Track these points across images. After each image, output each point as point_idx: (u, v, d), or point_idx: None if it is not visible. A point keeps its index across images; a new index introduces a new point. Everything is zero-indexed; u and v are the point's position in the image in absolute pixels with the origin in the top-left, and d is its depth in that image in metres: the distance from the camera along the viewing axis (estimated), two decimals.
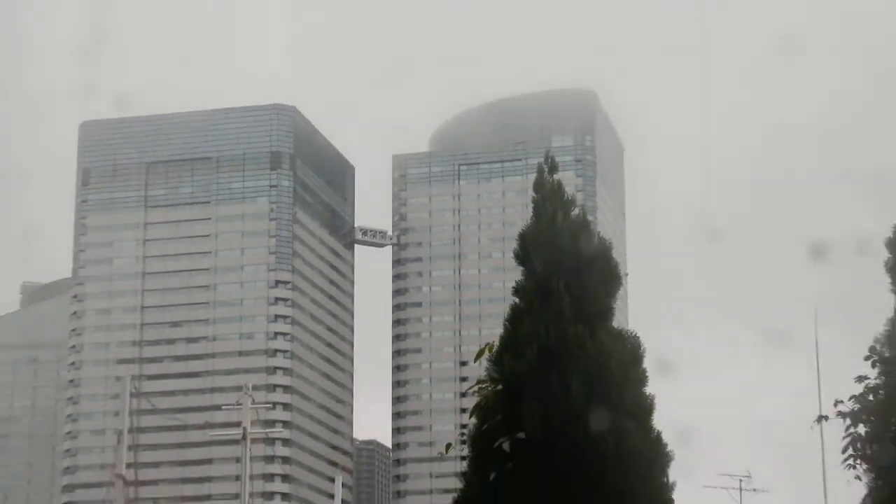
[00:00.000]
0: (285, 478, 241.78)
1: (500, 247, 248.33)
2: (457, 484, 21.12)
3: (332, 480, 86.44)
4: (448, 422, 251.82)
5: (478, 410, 20.77)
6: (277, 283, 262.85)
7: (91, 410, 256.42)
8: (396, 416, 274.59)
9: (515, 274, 21.49)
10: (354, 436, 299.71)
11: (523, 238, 21.27)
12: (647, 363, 20.82)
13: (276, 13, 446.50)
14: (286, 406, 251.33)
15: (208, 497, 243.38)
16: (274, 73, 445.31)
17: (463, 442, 21.11)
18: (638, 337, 20.90)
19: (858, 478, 23.14)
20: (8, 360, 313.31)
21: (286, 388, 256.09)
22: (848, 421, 23.34)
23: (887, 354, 22.38)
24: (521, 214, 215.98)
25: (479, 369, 21.40)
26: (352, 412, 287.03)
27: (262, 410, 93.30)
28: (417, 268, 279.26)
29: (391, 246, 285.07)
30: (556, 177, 21.53)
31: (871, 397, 23.01)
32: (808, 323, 43.43)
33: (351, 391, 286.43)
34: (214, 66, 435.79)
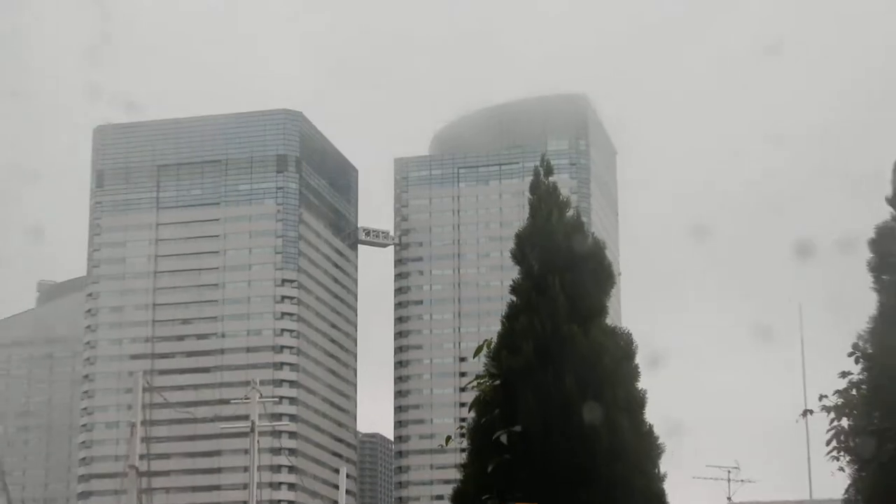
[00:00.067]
0: (292, 469, 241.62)
1: (498, 247, 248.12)
2: (456, 475, 21.13)
3: (337, 471, 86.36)
4: (448, 415, 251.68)
5: (477, 404, 20.75)
6: (284, 281, 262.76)
7: (105, 404, 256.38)
8: (398, 409, 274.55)
9: (513, 273, 21.49)
10: (358, 429, 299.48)
11: (520, 238, 21.27)
12: (639, 359, 20.81)
13: (283, 21, 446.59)
14: (292, 400, 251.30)
15: (218, 487, 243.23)
16: (281, 80, 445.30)
17: (462, 435, 21.10)
18: (630, 334, 20.89)
19: (842, 469, 23.12)
20: (25, 356, 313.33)
21: (292, 383, 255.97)
22: (832, 415, 23.33)
23: (870, 351, 22.35)
24: (517, 215, 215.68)
25: (477, 365, 21.40)
26: (355, 406, 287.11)
27: (269, 404, 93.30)
28: (418, 267, 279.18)
29: (393, 246, 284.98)
30: (551, 179, 21.52)
31: (854, 392, 22.98)
32: (794, 321, 43.50)
33: (355, 386, 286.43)
34: (223, 72, 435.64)
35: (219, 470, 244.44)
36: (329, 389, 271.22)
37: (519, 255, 21.16)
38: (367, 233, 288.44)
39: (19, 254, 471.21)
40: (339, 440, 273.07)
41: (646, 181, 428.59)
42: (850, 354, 22.70)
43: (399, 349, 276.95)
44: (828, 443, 23.29)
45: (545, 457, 19.53)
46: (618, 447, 19.52)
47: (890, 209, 22.45)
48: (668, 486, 20.53)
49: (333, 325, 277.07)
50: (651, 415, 20.62)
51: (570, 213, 21.31)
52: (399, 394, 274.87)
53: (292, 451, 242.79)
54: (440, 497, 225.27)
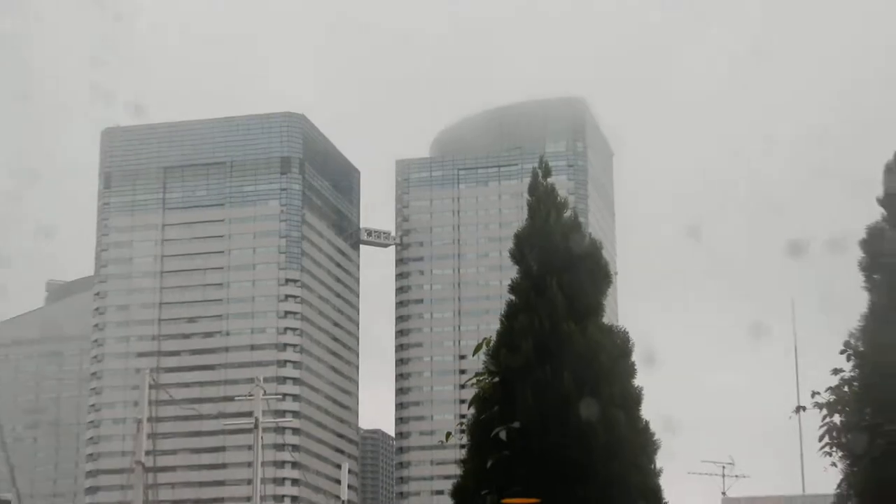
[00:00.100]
0: (295, 465, 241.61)
1: (497, 247, 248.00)
2: (456, 470, 21.11)
3: (339, 467, 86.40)
4: (448, 412, 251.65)
5: (476, 401, 20.74)
6: (287, 280, 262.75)
7: (112, 401, 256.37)
8: (399, 406, 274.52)
9: (511, 272, 21.47)
10: (360, 425, 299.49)
11: (519, 238, 21.25)
12: (635, 357, 20.80)
13: (287, 26, 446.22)
14: (295, 397, 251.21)
15: (222, 482, 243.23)
16: (284, 83, 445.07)
17: (462, 431, 21.09)
18: (626, 332, 20.87)
19: (834, 464, 23.12)
20: (34, 354, 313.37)
21: (295, 380, 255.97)
22: (824, 411, 23.32)
23: (861, 349, 22.36)
24: (516, 216, 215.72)
25: (477, 362, 21.38)
26: (357, 403, 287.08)
27: (272, 401, 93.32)
28: (419, 266, 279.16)
29: (394, 246, 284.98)
30: (549, 181, 21.51)
31: (846, 389, 22.98)
32: (787, 320, 43.45)
33: (356, 383, 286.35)
34: (228, 76, 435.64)
35: (223, 465, 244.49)
36: (331, 386, 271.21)
37: (518, 255, 21.15)
38: (369, 233, 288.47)
39: (28, 253, 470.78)
40: (342, 436, 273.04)
41: (642, 182, 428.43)
42: (842, 352, 22.70)
43: (400, 347, 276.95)
44: (820, 439, 23.29)
45: (543, 453, 19.52)
46: (614, 443, 19.51)
47: (881, 210, 22.47)
48: (664, 482, 20.53)
49: (336, 324, 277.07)
50: (647, 411, 20.61)
51: (568, 213, 21.29)
52: (400, 391, 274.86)
53: (295, 447, 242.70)
54: (440, 492, 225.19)
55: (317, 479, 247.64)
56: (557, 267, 20.49)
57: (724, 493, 55.35)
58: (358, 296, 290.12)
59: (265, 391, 67.86)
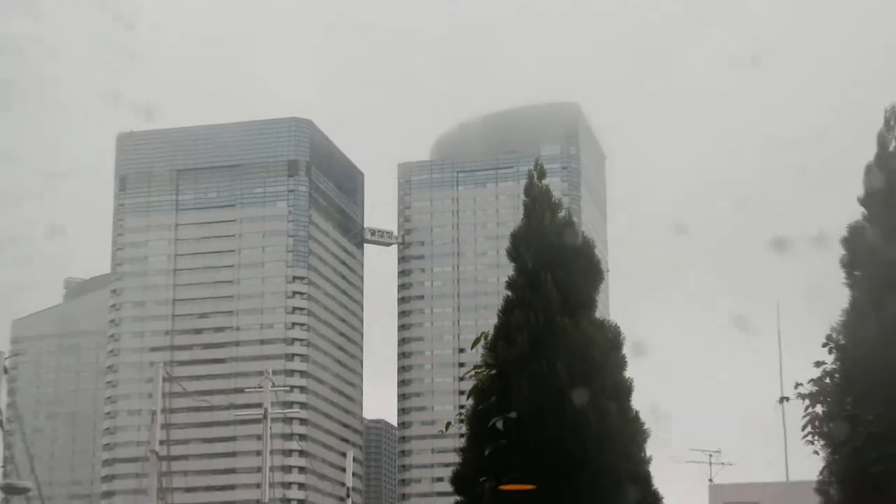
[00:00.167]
0: (302, 453, 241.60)
1: (495, 245, 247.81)
2: (456, 458, 21.08)
3: (344, 455, 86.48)
4: (448, 403, 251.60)
5: (474, 392, 20.72)
6: (294, 278, 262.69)
7: (128, 393, 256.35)
8: (401, 397, 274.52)
9: (508, 270, 21.45)
10: (364, 415, 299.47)
11: (515, 237, 21.24)
12: (626, 350, 20.78)
13: (293, 35, 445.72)
14: (302, 389, 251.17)
15: (233, 470, 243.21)
16: (291, 90, 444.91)
17: (461, 421, 21.07)
18: (618, 326, 20.86)
19: (816, 452, 23.09)
20: (53, 348, 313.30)
21: (302, 373, 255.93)
22: (807, 402, 23.30)
23: (843, 342, 22.32)
24: (513, 216, 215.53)
25: (475, 356, 21.36)
26: (361, 394, 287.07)
27: (280, 393, 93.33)
28: (420, 264, 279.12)
29: (396, 245, 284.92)
30: (544, 182, 21.49)
31: (827, 380, 22.96)
32: (772, 314, 43.37)
33: (361, 375, 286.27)
34: (238, 83, 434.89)
35: (234, 454, 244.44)
36: (337, 379, 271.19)
37: (514, 253, 21.14)
38: (373, 233, 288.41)
39: (47, 253, 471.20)
40: (346, 426, 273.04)
41: (632, 184, 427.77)
42: (824, 345, 22.67)
43: (402, 341, 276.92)
44: (803, 428, 23.27)
45: (538, 442, 19.48)
46: (606, 433, 19.48)
47: (862, 209, 22.43)
48: (654, 469, 20.50)
49: (341, 319, 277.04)
50: (637, 402, 20.59)
51: (562, 213, 21.27)
52: (402, 382, 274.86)
53: (302, 437, 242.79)
54: (440, 479, 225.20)
55: (323, 467, 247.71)
56: (552, 264, 20.46)
57: (710, 480, 55.27)
58: (362, 292, 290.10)
59: (273, 383, 67.80)
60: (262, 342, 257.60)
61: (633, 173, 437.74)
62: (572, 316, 20.05)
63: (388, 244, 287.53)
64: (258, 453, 70.66)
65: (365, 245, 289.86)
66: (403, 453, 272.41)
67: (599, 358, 19.94)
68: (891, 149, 22.41)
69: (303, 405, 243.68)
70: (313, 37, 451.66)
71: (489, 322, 21.94)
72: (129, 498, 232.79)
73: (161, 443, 56.49)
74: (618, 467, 19.51)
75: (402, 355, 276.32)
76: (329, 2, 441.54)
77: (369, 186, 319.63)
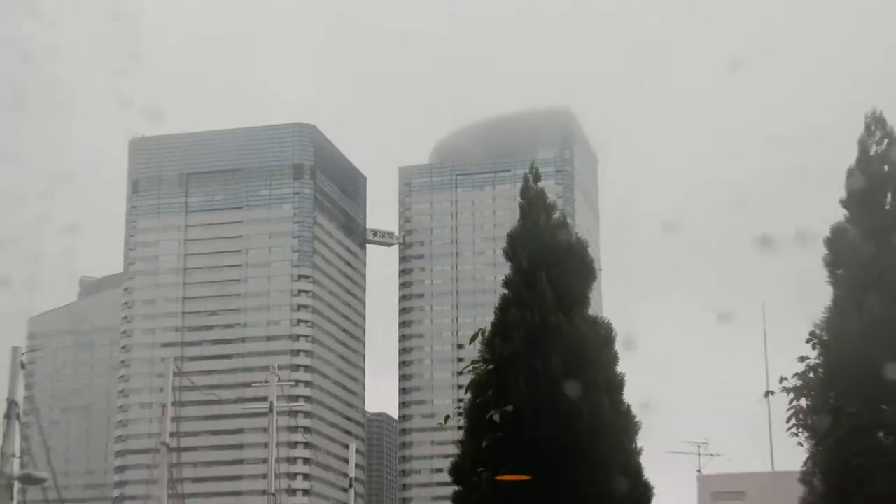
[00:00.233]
0: (306, 445, 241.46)
1: (492, 245, 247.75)
2: (455, 450, 21.07)
3: (347, 447, 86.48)
4: (447, 397, 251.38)
5: (472, 387, 20.72)
6: (300, 277, 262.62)
7: (139, 387, 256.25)
8: (402, 391, 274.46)
9: (505, 269, 21.44)
10: (366, 409, 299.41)
11: (511, 238, 21.24)
12: (618, 345, 20.78)
13: (293, 36, 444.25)
14: (307, 383, 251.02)
15: (240, 461, 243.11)
16: (292, 90, 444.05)
17: (460, 414, 21.07)
18: (610, 323, 20.87)
19: (801, 444, 23.11)
20: (68, 344, 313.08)
21: (307, 368, 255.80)
22: (791, 395, 23.31)
23: (826, 338, 22.34)
24: (509, 217, 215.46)
25: (473, 351, 21.37)
26: (364, 388, 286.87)
27: (286, 387, 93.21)
28: (420, 264, 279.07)
29: (398, 245, 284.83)
30: (539, 185, 21.51)
31: (811, 375, 22.97)
32: (758, 311, 43.36)
33: (363, 370, 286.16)
34: (238, 83, 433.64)
35: (241, 446, 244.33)
36: (340, 373, 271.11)
37: (510, 253, 21.14)
38: (375, 233, 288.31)
39: (63, 253, 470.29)
40: (349, 419, 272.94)
41: (624, 186, 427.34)
42: (808, 341, 22.70)
43: (403, 337, 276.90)
44: (788, 420, 23.29)
45: (533, 434, 19.48)
46: (599, 425, 19.48)
47: (844, 211, 22.45)
48: (644, 460, 20.50)
49: (344, 316, 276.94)
50: (629, 396, 20.59)
51: (556, 215, 21.29)
52: (403, 377, 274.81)
53: (307, 429, 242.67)
54: (440, 470, 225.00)
55: (327, 458, 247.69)
56: (547, 263, 20.46)
57: (699, 471, 55.25)
58: (364, 291, 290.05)
59: (279, 378, 67.73)
60: (269, 338, 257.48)
61: (626, 175, 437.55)
62: (566, 313, 20.06)
63: (390, 244, 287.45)
64: (264, 445, 70.56)
65: (367, 245, 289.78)
66: (404, 445, 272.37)
67: (592, 353, 19.95)
68: (871, 153, 22.43)
69: (307, 399, 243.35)
70: (313, 37, 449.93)
71: (487, 319, 21.95)
72: (141, 487, 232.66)
73: (171, 435, 56.43)
74: (610, 458, 19.51)
75: (402, 351, 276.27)
76: (329, 2, 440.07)
77: (371, 189, 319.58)
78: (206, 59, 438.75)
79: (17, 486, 30.74)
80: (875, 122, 22.52)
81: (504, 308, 20.55)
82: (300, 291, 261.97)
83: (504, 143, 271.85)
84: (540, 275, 20.24)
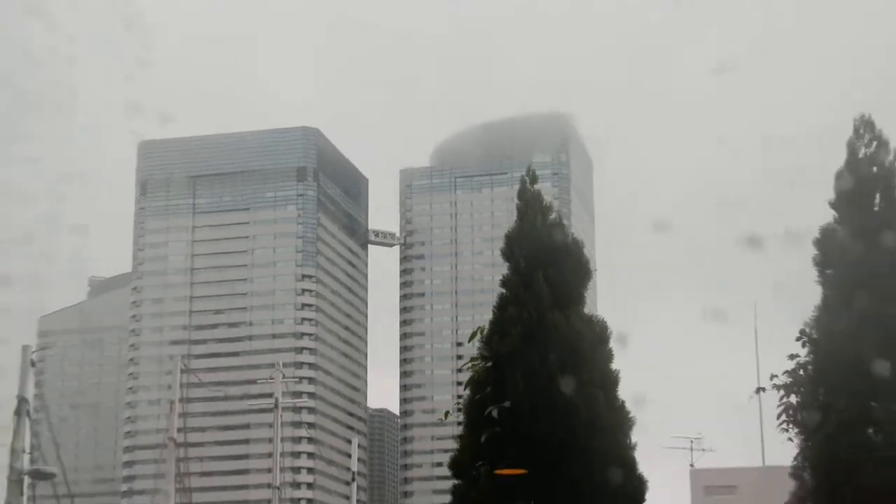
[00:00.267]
0: (310, 440, 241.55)
1: (490, 246, 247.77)
2: (454, 445, 21.06)
3: (350, 442, 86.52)
4: (447, 393, 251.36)
5: (471, 383, 20.72)
6: (304, 276, 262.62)
7: (147, 384, 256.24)
8: (403, 388, 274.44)
9: (503, 268, 21.44)
10: (368, 405, 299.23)
11: (509, 238, 21.24)
12: (613, 343, 20.78)
13: (293, 36, 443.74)
14: (311, 380, 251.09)
15: (246, 456, 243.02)
16: (292, 91, 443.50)
17: (459, 410, 21.07)
18: (605, 321, 20.86)
19: (791, 439, 23.13)
20: (78, 342, 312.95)
21: (311, 365, 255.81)
22: (782, 392, 23.33)
23: (815, 336, 22.33)
24: (507, 219, 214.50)
25: (472, 349, 21.36)
26: (366, 385, 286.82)
27: (290, 384, 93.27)
28: (421, 264, 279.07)
29: (399, 246, 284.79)
30: (535, 188, 21.51)
31: (801, 372, 22.98)
32: (750, 310, 43.35)
33: (365, 367, 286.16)
34: (238, 83, 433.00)
35: (247, 441, 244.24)
36: (343, 370, 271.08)
37: (508, 253, 21.14)
38: (376, 234, 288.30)
39: (72, 253, 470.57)
40: (352, 415, 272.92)
41: (618, 188, 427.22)
42: (798, 339, 22.70)
43: (404, 335, 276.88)
44: (778, 416, 23.30)
45: (530, 429, 19.47)
46: (594, 420, 19.47)
47: (833, 212, 22.44)
48: (638, 455, 20.49)
49: (347, 315, 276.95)
50: (623, 392, 20.58)
51: (553, 216, 21.28)
52: (404, 374, 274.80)
53: (311, 425, 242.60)
54: (440, 464, 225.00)
55: (330, 453, 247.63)
56: (543, 263, 20.46)
57: (692, 465, 55.17)
58: (366, 290, 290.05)
59: (284, 375, 67.78)
60: (274, 336, 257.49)
61: (620, 177, 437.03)
62: (563, 311, 20.05)
63: (391, 245, 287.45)
64: (270, 440, 70.56)
65: (369, 246, 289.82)
66: (405, 440, 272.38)
67: (588, 351, 19.94)
68: (860, 155, 22.42)
69: (311, 395, 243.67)
70: (313, 37, 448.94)
71: (485, 318, 21.95)
72: (149, 482, 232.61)
73: (179, 430, 56.44)
74: (605, 453, 19.50)
75: (403, 349, 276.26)
76: (329, 2, 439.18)
77: (373, 191, 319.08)
78: (206, 61, 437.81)
79: (27, 481, 30.74)
80: (864, 125, 22.54)
81: (502, 307, 20.55)
82: (304, 291, 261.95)
83: (502, 147, 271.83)
84: (537, 274, 20.24)
